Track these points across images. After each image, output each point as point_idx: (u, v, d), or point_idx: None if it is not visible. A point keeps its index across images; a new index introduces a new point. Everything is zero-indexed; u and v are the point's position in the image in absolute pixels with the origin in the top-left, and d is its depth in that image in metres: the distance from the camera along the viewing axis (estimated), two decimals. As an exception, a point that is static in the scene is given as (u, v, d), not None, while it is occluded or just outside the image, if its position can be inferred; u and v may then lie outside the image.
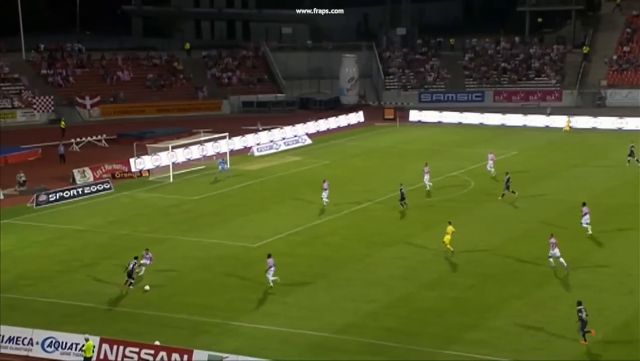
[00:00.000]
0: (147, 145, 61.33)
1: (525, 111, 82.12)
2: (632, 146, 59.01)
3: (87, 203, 51.50)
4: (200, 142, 63.38)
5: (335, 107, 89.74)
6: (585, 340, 29.70)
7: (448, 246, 39.31)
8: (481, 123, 79.90)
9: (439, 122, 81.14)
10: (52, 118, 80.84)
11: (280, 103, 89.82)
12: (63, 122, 74.89)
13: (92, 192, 53.41)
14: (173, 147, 59.88)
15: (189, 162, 62.07)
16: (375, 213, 46.75)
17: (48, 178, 56.87)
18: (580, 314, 29.73)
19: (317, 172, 59.43)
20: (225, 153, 62.68)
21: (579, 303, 29.97)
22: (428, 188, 51.56)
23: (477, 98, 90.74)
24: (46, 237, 44.06)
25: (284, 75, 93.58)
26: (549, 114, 78.90)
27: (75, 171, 56.73)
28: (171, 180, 57.17)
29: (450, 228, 39.67)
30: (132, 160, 59.47)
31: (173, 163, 58.98)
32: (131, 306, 33.68)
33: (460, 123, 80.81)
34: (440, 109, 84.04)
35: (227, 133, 64.42)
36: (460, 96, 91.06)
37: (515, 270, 37.80)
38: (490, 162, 55.80)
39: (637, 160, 58.20)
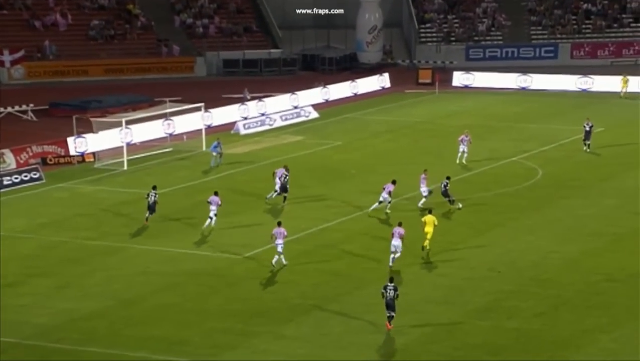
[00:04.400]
0: (92, 120, 61.35)
1: (616, 70, 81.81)
2: (590, 125, 58.96)
3: (7, 199, 51.56)
4: (166, 116, 63.48)
5: (351, 68, 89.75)
6: (390, 324, 33.22)
7: (427, 243, 40.47)
8: (553, 89, 79.81)
9: (494, 88, 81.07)
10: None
11: (276, 63, 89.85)
12: None
13: (14, 184, 53.47)
14: (127, 122, 59.92)
15: (149, 143, 62.18)
16: (405, 214, 46.65)
17: (-45, 165, 57.08)
18: (383, 291, 33.21)
19: (325, 157, 59.36)
20: (200, 130, 62.75)
21: (391, 280, 33.76)
22: (377, 206, 48.38)
23: (547, 54, 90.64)
24: (-48, 246, 44.18)
25: (280, 23, 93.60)
26: None
27: (-8, 155, 56.98)
28: (125, 167, 57.27)
29: (430, 218, 40.54)
30: (70, 140, 59.57)
31: (127, 144, 59.09)
32: (70, 341, 33.70)
33: (523, 89, 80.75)
34: (496, 69, 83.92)
35: (202, 104, 64.41)
36: (524, 51, 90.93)
37: (600, 292, 37.72)
38: (463, 147, 55.59)
39: (589, 145, 58.49)
